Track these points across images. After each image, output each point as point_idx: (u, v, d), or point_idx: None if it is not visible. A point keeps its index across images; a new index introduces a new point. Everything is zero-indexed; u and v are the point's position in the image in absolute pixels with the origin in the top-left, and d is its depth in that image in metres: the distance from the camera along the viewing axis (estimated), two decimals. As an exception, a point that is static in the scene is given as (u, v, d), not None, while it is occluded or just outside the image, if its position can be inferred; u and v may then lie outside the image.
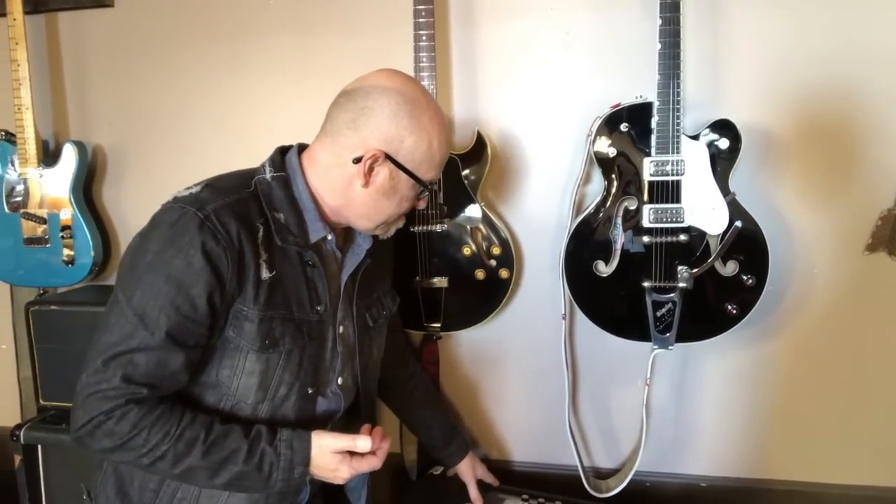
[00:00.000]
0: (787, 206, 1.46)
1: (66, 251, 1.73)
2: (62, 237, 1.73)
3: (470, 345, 1.67)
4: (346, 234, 1.14)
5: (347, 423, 1.15)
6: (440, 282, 1.51)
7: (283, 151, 1.08)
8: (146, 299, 0.92)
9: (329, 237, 1.07)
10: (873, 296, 1.46)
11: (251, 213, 0.99)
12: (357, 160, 0.99)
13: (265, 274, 0.98)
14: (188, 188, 1.00)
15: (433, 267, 1.51)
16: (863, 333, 1.48)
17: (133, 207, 1.82)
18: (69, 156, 1.72)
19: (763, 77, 1.42)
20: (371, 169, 1.00)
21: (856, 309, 1.47)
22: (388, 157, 1.00)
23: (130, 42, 1.75)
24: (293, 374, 1.03)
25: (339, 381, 1.12)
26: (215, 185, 1.00)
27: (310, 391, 1.06)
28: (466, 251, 1.50)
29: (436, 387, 1.61)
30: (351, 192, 1.02)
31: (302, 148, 1.09)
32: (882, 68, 1.37)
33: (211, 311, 0.94)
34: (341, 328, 1.12)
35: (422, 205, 1.11)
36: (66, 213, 1.73)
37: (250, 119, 1.70)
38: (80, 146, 1.74)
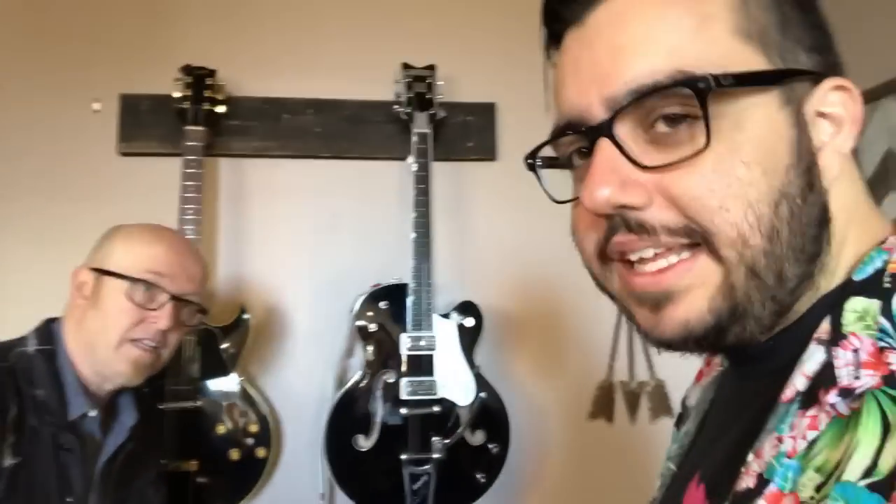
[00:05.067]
0: (524, 378, 1.65)
1: None
2: None
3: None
4: (109, 413, 1.04)
5: None
6: (189, 464, 1.38)
7: (50, 322, 1.02)
8: None
9: (91, 414, 0.98)
10: (596, 458, 1.66)
11: (4, 390, 0.90)
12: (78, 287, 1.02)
13: (8, 461, 0.87)
14: None
15: (182, 448, 1.39)
16: (590, 493, 1.65)
17: None
18: None
19: (498, 265, 1.66)
20: (86, 292, 1.01)
21: (584, 471, 1.65)
22: (95, 270, 1.01)
23: None
24: None
25: None
26: None
27: None
28: (220, 429, 1.41)
29: None
30: (85, 332, 1.00)
31: None
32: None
33: None
34: None
35: (161, 319, 1.01)
36: None
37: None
38: None
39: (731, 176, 0.38)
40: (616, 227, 0.42)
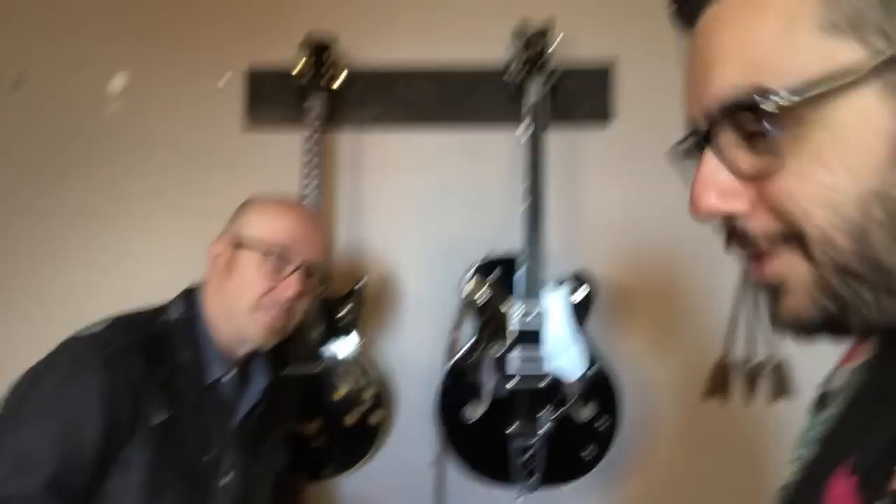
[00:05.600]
0: (636, 353, 1.60)
1: None
2: None
3: (337, 494, 1.60)
4: (243, 376, 1.11)
5: None
6: (308, 428, 1.46)
7: (189, 291, 1.09)
8: (30, 441, 0.85)
9: (227, 377, 1.05)
10: (710, 439, 1.60)
11: (152, 354, 0.97)
12: (213, 261, 1.07)
13: (159, 418, 0.95)
14: (90, 326, 0.96)
15: (301, 413, 1.46)
16: (703, 475, 1.59)
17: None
18: None
19: (613, 236, 1.61)
20: (223, 263, 1.06)
21: (697, 452, 1.60)
22: (233, 244, 1.07)
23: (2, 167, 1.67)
24: None
25: None
26: (118, 325, 0.98)
27: None
28: (337, 395, 1.48)
29: None
30: (224, 299, 1.06)
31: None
32: (707, 232, 1.60)
33: (99, 457, 0.88)
34: (227, 478, 1.06)
35: (290, 287, 1.06)
36: None
37: (127, 258, 1.63)
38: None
39: (812, 181, 0.39)
40: (729, 231, 0.45)
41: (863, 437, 0.46)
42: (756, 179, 0.41)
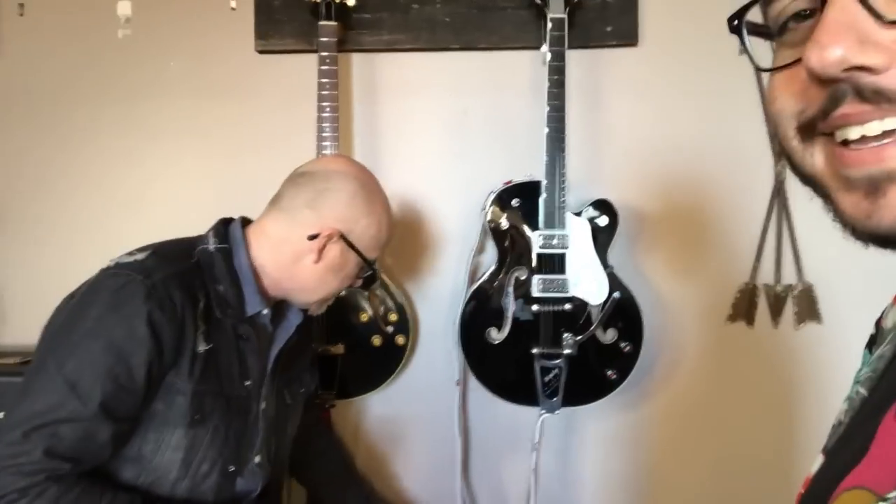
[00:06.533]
0: (659, 278, 1.59)
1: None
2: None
3: (364, 412, 1.66)
4: (277, 310, 1.14)
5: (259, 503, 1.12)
6: (336, 348, 1.51)
7: (225, 223, 1.10)
8: (81, 367, 0.88)
9: (265, 311, 1.07)
10: (734, 362, 1.61)
11: (194, 284, 0.99)
12: (312, 237, 1.03)
13: (201, 347, 0.97)
14: (130, 253, 0.99)
15: (329, 333, 1.51)
16: (725, 397, 1.61)
17: (13, 272, 1.66)
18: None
19: (636, 161, 1.58)
20: (324, 246, 1.04)
21: (719, 374, 1.61)
22: (343, 237, 1.04)
23: (15, 95, 1.67)
24: (217, 451, 1.00)
25: (258, 459, 1.09)
26: (160, 253, 0.99)
27: (231, 469, 1.03)
28: (363, 317, 1.51)
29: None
30: (298, 267, 1.06)
31: (245, 221, 1.11)
32: (734, 156, 1.57)
33: (147, 382, 0.91)
34: (264, 404, 1.10)
35: (359, 283, 1.15)
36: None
37: (142, 185, 1.64)
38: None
39: None
40: (842, 95, 0.37)
41: None
42: None
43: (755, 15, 0.43)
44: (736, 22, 0.44)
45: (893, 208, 0.36)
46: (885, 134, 0.36)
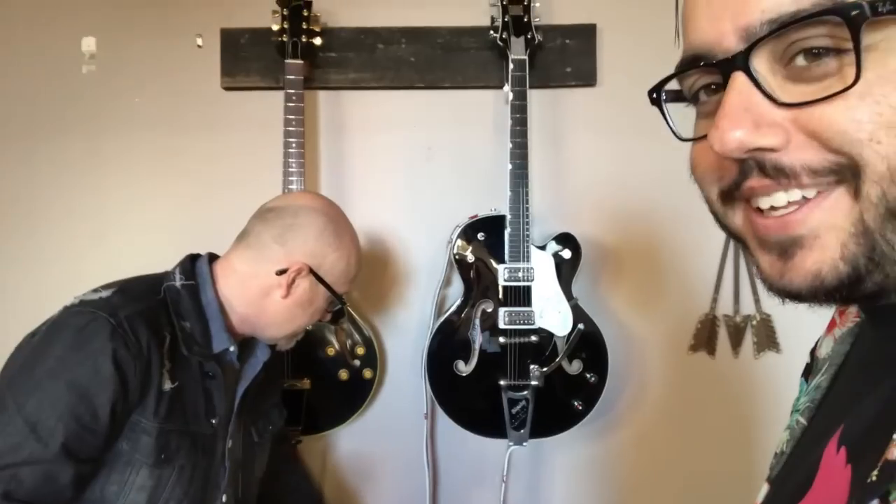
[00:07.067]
0: (623, 310, 1.63)
1: None
2: None
3: (331, 447, 1.64)
4: (245, 347, 1.13)
5: None
6: (302, 383, 1.50)
7: (192, 259, 1.09)
8: (42, 407, 0.85)
9: (231, 349, 1.06)
10: (697, 391, 1.64)
11: (160, 320, 0.97)
12: (281, 272, 1.03)
13: (167, 385, 0.96)
14: (95, 290, 0.97)
15: (295, 367, 1.49)
16: (689, 425, 1.64)
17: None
18: None
19: (597, 196, 1.62)
20: (293, 281, 1.04)
21: (683, 403, 1.64)
22: (311, 271, 1.05)
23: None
24: (183, 491, 0.98)
25: (224, 498, 1.07)
26: (126, 291, 0.98)
27: None
28: (330, 351, 1.51)
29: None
30: (267, 302, 1.05)
31: (212, 257, 1.10)
32: (691, 191, 1.62)
33: (111, 422, 0.89)
34: (230, 442, 1.08)
35: (328, 317, 1.15)
36: None
37: (107, 221, 1.62)
38: None
39: (883, 104, 0.34)
40: (748, 170, 0.39)
41: (849, 409, 0.44)
42: (799, 108, 0.37)
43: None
44: (655, 95, 0.46)
45: (801, 270, 0.38)
46: (790, 204, 0.39)
